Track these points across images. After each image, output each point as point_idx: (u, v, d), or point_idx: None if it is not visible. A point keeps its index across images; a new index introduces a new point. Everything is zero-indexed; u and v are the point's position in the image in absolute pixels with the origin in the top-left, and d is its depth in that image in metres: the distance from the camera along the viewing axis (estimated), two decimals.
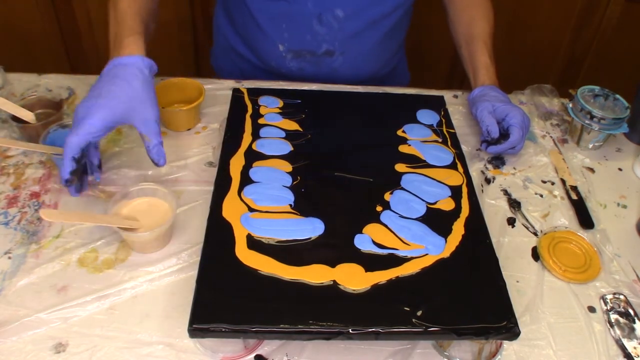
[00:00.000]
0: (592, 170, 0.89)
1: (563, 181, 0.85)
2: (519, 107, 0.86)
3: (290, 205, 0.68)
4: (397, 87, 0.97)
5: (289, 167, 0.74)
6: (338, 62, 0.97)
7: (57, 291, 0.64)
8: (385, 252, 0.64)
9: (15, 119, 0.79)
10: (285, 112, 0.84)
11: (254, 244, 0.63)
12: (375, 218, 0.68)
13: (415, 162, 0.78)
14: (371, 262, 0.62)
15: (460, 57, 0.99)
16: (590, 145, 0.92)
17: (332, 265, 0.61)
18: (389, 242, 0.65)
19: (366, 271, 0.61)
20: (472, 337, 0.58)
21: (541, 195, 0.82)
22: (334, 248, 0.63)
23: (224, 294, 0.57)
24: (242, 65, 1.06)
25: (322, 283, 0.60)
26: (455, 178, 0.75)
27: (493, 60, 0.93)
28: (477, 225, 0.68)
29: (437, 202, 0.71)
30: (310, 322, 0.55)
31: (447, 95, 0.98)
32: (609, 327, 0.66)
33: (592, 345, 0.64)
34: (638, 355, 0.63)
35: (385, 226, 0.67)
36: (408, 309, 0.57)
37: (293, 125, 0.82)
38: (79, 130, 0.65)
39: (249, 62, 1.04)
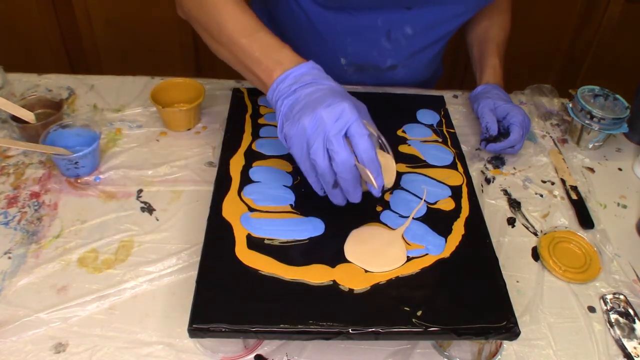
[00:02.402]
0: (592, 170, 0.89)
1: (563, 181, 0.85)
2: (520, 107, 0.86)
3: (291, 205, 0.68)
4: (398, 87, 0.97)
5: (289, 167, 0.74)
6: (400, 74, 0.96)
7: (57, 291, 0.64)
8: None
9: (15, 119, 0.79)
10: None
11: (254, 244, 0.63)
12: (375, 218, 0.68)
13: (415, 162, 0.78)
14: None
15: (470, 56, 1.00)
16: (590, 145, 0.92)
17: (332, 265, 0.61)
18: None
19: (366, 271, 0.61)
20: (472, 337, 0.58)
21: (541, 195, 0.82)
22: (334, 248, 0.63)
23: (224, 294, 0.57)
24: None
25: (322, 283, 0.59)
26: (455, 178, 0.75)
27: (502, 64, 0.94)
28: (477, 225, 0.68)
29: (437, 202, 0.71)
30: (310, 322, 0.55)
31: (447, 95, 0.98)
32: (609, 327, 0.66)
33: (592, 345, 0.64)
34: (638, 355, 0.63)
35: (386, 226, 0.67)
36: (408, 309, 0.57)
37: None
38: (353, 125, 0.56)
39: None
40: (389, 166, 0.65)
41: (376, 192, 0.59)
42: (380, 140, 0.65)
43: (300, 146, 0.58)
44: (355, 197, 0.60)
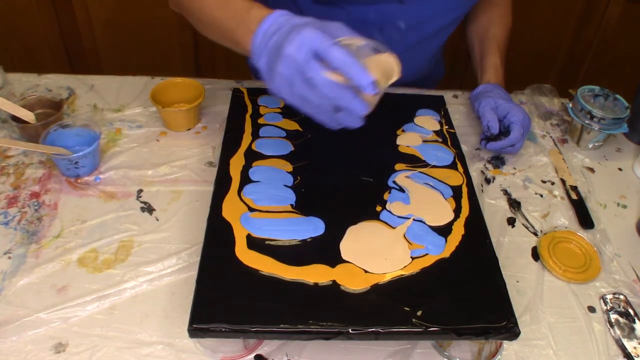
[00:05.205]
0: (592, 170, 0.89)
1: (563, 181, 0.85)
2: (521, 106, 0.86)
3: (292, 205, 0.68)
4: (398, 86, 0.97)
5: (289, 167, 0.74)
6: None
7: (57, 291, 0.64)
8: None
9: (15, 119, 0.79)
10: (285, 112, 0.84)
11: (254, 244, 0.63)
12: (375, 218, 0.68)
13: (415, 162, 0.78)
14: None
15: (471, 55, 1.00)
16: (590, 145, 0.92)
17: (332, 265, 0.61)
18: None
19: (366, 271, 0.61)
20: (472, 337, 0.58)
21: (541, 195, 0.82)
22: (335, 248, 0.63)
23: (224, 294, 0.57)
24: None
25: (322, 283, 0.60)
26: (455, 178, 0.75)
27: (503, 63, 0.94)
28: (477, 225, 0.68)
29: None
30: (310, 322, 0.55)
31: (447, 95, 0.98)
32: (609, 327, 0.66)
33: (592, 345, 0.64)
34: (638, 355, 0.63)
35: (385, 224, 0.67)
36: (408, 309, 0.57)
37: (293, 125, 0.82)
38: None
39: None
40: (386, 61, 0.60)
41: (370, 89, 0.54)
42: (370, 45, 0.60)
43: (289, 92, 0.57)
44: (361, 109, 0.56)
